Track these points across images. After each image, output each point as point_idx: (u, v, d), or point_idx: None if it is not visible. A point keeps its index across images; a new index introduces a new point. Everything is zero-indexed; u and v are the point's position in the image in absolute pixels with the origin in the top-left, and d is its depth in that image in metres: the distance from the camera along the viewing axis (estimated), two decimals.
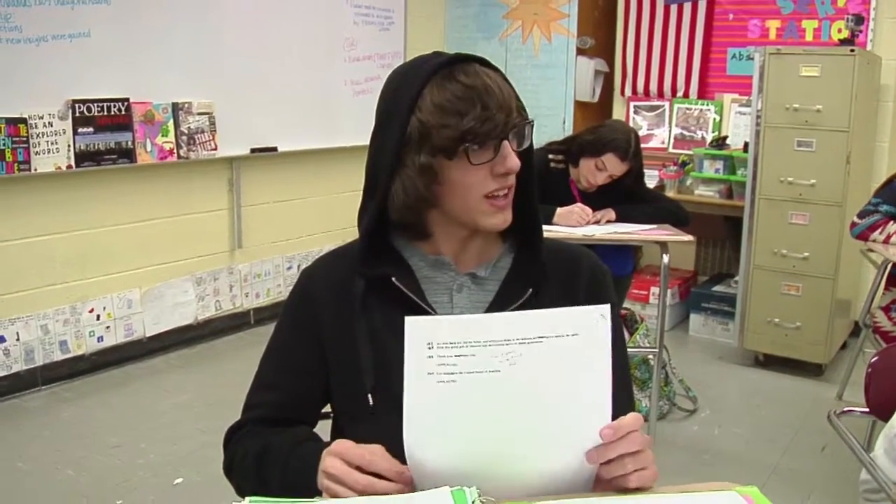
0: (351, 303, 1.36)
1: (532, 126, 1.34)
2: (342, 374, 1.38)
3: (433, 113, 1.28)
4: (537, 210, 1.41)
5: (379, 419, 1.30)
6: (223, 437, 1.45)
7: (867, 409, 1.91)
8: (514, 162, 1.30)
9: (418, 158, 1.29)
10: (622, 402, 1.37)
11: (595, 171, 3.55)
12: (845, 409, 2.05)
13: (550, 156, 3.71)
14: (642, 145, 3.75)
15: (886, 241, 3.58)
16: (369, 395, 1.31)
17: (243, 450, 1.38)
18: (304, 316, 1.41)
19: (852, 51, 4.22)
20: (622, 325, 1.49)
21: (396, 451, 1.24)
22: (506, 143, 1.29)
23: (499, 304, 1.36)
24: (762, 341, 4.62)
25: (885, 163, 4.89)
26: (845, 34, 4.46)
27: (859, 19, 4.44)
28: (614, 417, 1.33)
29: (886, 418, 1.72)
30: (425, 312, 1.32)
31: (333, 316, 1.38)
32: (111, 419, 3.81)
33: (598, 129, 3.62)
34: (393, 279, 1.34)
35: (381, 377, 1.31)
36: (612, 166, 3.53)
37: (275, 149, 4.93)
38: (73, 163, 3.95)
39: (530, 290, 1.36)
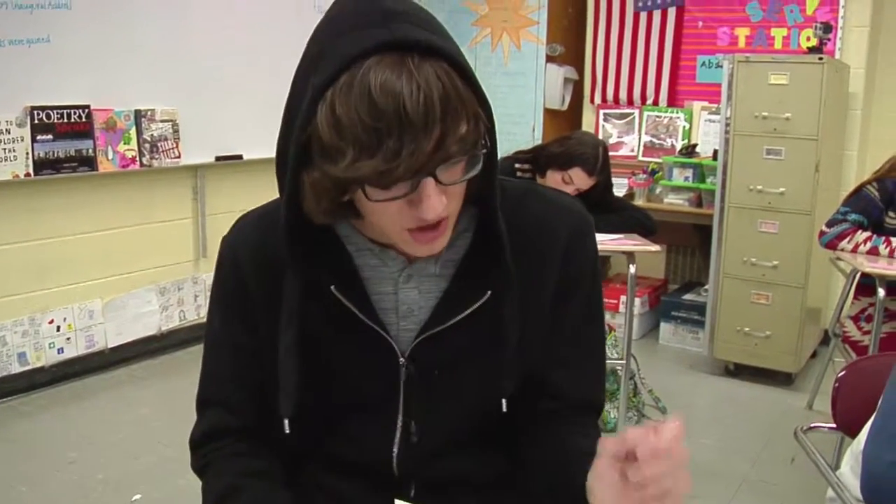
0: (279, 290, 1.16)
1: (477, 155, 1.02)
2: (267, 376, 1.21)
3: (329, 125, 0.95)
4: (497, 213, 1.13)
5: (307, 450, 1.25)
6: (191, 440, 1.31)
7: (834, 425, 1.88)
8: (432, 209, 0.99)
9: (312, 172, 1.01)
10: (589, 378, 1.29)
11: (561, 185, 3.52)
12: (812, 424, 2.02)
13: (517, 165, 3.68)
14: (612, 153, 3.73)
15: (854, 251, 3.57)
16: (286, 422, 1.16)
17: (225, 478, 1.24)
18: (238, 294, 1.23)
19: (821, 59, 4.22)
20: (601, 286, 1.29)
21: (309, 448, 1.26)
22: (427, 181, 0.98)
23: (448, 302, 1.18)
24: (732, 350, 4.60)
25: (854, 171, 4.90)
26: (814, 42, 4.47)
27: (827, 28, 4.45)
28: (577, 385, 1.26)
29: (854, 434, 1.69)
30: (367, 326, 1.17)
31: (262, 295, 1.21)
32: (69, 433, 3.72)
33: (566, 142, 3.58)
34: (333, 289, 1.15)
35: (305, 382, 1.17)
36: (579, 180, 3.50)
37: (240, 157, 4.86)
38: (31, 171, 3.86)
39: (488, 292, 1.16)
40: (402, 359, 1.20)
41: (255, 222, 1.26)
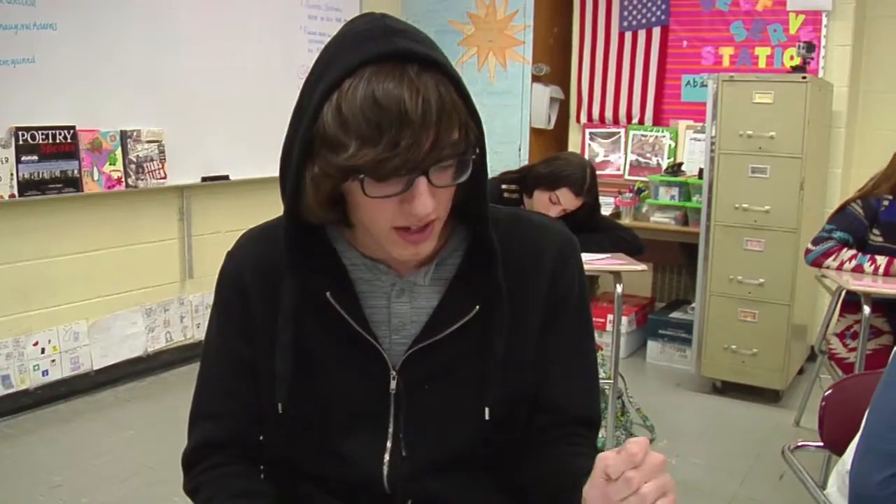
0: (278, 297, 1.22)
1: (467, 160, 1.10)
2: (259, 371, 1.27)
3: (335, 121, 1.03)
4: (488, 221, 1.20)
5: (286, 427, 1.26)
6: (182, 458, 1.32)
7: (822, 444, 1.89)
8: (423, 206, 1.07)
9: (312, 168, 1.08)
10: (583, 394, 1.31)
11: (549, 205, 3.52)
12: (800, 443, 2.02)
13: (504, 185, 3.68)
14: (598, 172, 3.73)
15: (840, 268, 3.58)
16: (279, 405, 1.22)
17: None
18: (239, 305, 1.28)
19: (804, 78, 4.25)
20: (589, 305, 1.35)
21: (300, 460, 1.27)
22: (420, 180, 1.06)
23: (439, 317, 1.23)
24: (719, 368, 4.60)
25: (838, 189, 4.93)
26: (797, 61, 4.49)
27: (811, 47, 4.48)
28: (572, 401, 1.29)
29: (841, 452, 1.69)
30: (360, 335, 1.21)
31: (261, 305, 1.26)
32: (55, 457, 3.68)
33: (553, 162, 3.60)
34: (328, 295, 1.20)
35: (296, 389, 1.22)
36: (566, 201, 3.51)
37: (226, 177, 4.85)
38: (16, 192, 3.85)
39: (477, 307, 1.22)
40: (392, 371, 1.23)
41: (257, 236, 1.31)
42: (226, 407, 1.29)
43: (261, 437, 1.32)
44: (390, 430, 1.24)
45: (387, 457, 1.24)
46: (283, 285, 1.21)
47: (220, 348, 1.31)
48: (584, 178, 3.51)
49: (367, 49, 1.04)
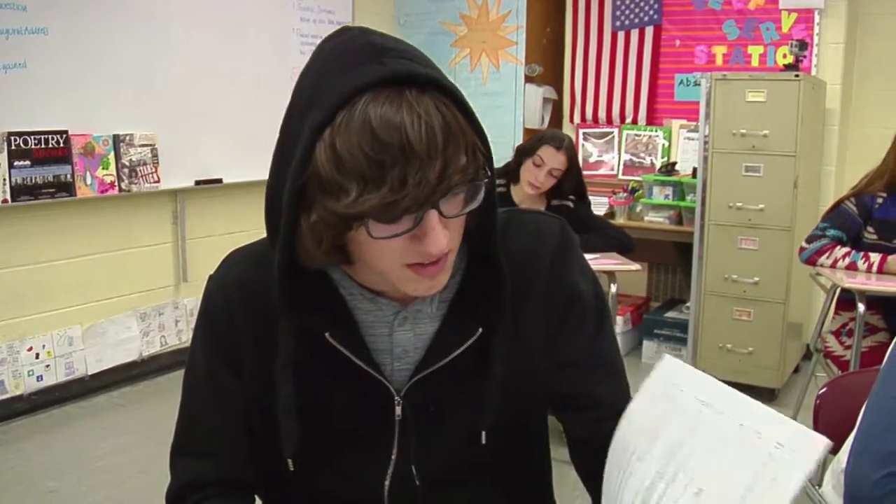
0: (269, 328, 1.13)
1: (478, 184, 0.99)
2: (256, 419, 1.19)
3: (329, 162, 0.92)
4: (498, 247, 1.11)
5: (299, 484, 1.20)
6: (168, 495, 1.22)
7: None
8: (437, 243, 0.97)
9: (308, 216, 0.97)
10: (620, 386, 1.28)
11: (534, 169, 3.65)
12: None
13: None
14: (592, 172, 3.78)
15: (833, 266, 3.57)
16: (289, 461, 1.14)
17: None
18: (227, 333, 1.18)
19: (797, 76, 4.25)
20: (601, 294, 1.27)
21: (300, 487, 1.22)
22: (431, 214, 0.95)
23: (442, 342, 1.15)
24: (715, 367, 4.59)
25: (832, 187, 4.93)
26: (790, 60, 4.50)
27: (803, 45, 4.49)
28: (617, 399, 1.23)
29: (836, 451, 1.69)
30: (363, 370, 1.13)
31: (251, 334, 1.17)
32: (49, 462, 3.67)
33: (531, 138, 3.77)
34: (327, 336, 1.10)
35: (304, 443, 1.14)
36: (549, 158, 3.63)
37: (220, 180, 4.84)
38: (8, 197, 3.83)
39: (480, 330, 1.13)
40: (397, 398, 1.17)
41: (246, 261, 1.21)
42: (213, 446, 1.21)
43: (253, 470, 1.25)
44: (394, 454, 1.19)
45: (388, 480, 1.20)
46: (280, 326, 1.12)
47: (205, 380, 1.21)
48: (562, 136, 3.67)
49: (356, 74, 0.92)
